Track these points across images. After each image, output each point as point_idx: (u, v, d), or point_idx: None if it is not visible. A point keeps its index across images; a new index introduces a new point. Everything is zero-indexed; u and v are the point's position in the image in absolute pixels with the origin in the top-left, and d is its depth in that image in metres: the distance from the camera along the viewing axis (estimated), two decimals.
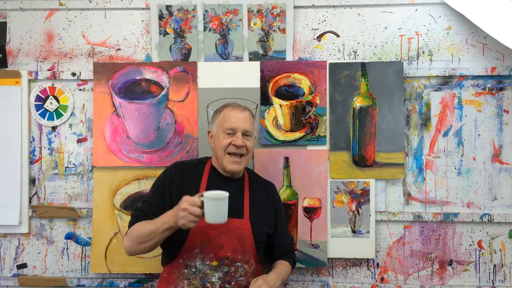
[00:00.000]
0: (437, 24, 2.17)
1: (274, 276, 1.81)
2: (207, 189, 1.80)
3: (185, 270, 1.75)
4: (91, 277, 2.22)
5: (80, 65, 2.23)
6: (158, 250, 1.98)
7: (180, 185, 1.80)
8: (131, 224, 1.77)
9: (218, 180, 1.84)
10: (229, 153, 1.79)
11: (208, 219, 1.57)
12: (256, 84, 2.16)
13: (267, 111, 2.16)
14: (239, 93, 2.15)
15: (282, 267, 1.89)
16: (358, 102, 2.15)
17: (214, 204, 1.56)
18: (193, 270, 1.74)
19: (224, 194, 1.58)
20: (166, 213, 1.67)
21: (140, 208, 1.81)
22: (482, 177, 2.16)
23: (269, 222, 1.88)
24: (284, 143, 2.16)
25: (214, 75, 2.17)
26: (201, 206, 1.57)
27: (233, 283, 1.75)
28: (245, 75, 2.17)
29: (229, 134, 1.80)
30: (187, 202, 1.58)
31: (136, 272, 2.17)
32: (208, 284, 1.73)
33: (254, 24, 2.18)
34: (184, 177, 1.83)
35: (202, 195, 1.58)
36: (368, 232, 2.14)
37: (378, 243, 2.17)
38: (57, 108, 2.21)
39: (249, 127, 1.82)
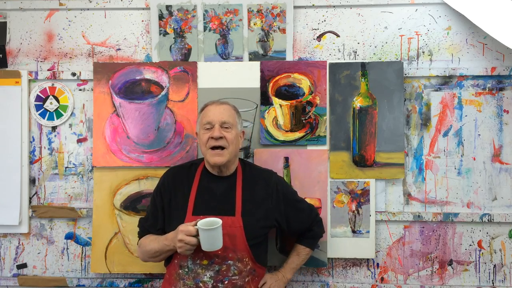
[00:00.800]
0: (437, 24, 2.17)
1: (283, 272, 1.95)
2: (198, 190, 1.83)
3: (180, 271, 1.76)
4: (91, 277, 2.22)
5: (80, 65, 2.23)
6: None
7: (172, 188, 1.86)
8: (139, 233, 1.90)
9: (209, 180, 1.85)
10: (211, 148, 1.78)
11: (204, 248, 1.64)
12: (256, 84, 2.16)
13: (267, 111, 2.16)
14: (239, 93, 2.15)
15: (294, 256, 1.97)
16: (358, 102, 2.15)
17: (208, 234, 1.62)
18: (186, 270, 1.75)
19: (217, 222, 1.63)
20: (167, 236, 1.73)
21: (143, 220, 1.92)
22: (482, 177, 2.16)
23: (268, 214, 1.84)
24: (284, 143, 2.16)
25: (214, 75, 2.17)
26: (197, 234, 1.63)
27: (226, 282, 1.74)
28: (245, 75, 2.16)
29: (207, 129, 1.80)
30: (182, 233, 1.64)
31: (136, 272, 2.17)
32: (201, 284, 1.73)
33: (254, 24, 2.18)
34: (176, 180, 1.87)
35: (196, 223, 1.63)
36: (368, 232, 2.14)
37: (378, 243, 2.17)
38: (57, 108, 2.21)
39: (226, 119, 1.80)
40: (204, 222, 1.63)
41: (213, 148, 1.78)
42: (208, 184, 1.83)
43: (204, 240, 1.62)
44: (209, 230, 1.60)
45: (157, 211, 1.85)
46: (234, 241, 1.75)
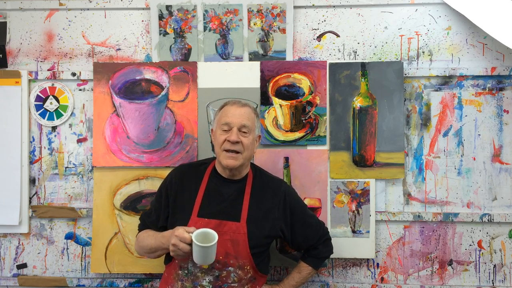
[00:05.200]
0: (437, 24, 2.17)
1: (282, 287, 1.92)
2: (205, 191, 1.80)
3: (180, 272, 1.75)
4: (91, 277, 2.22)
5: (80, 65, 2.23)
6: None
7: (179, 187, 1.82)
8: (139, 226, 1.91)
9: (218, 182, 1.82)
10: (225, 150, 1.74)
11: (195, 260, 1.59)
12: (256, 84, 2.16)
13: (267, 111, 2.16)
14: (239, 93, 2.15)
15: (295, 273, 1.91)
16: (358, 102, 2.15)
17: (202, 249, 1.55)
18: (186, 272, 1.73)
19: (213, 237, 1.56)
20: (164, 234, 1.70)
21: (145, 214, 1.91)
22: (482, 177, 2.16)
23: (273, 223, 1.79)
24: (284, 143, 2.16)
25: (214, 75, 2.17)
26: (191, 242, 1.57)
27: None
28: (245, 75, 2.17)
29: (225, 130, 1.75)
30: (177, 238, 1.59)
31: (136, 272, 2.17)
32: (199, 287, 1.72)
33: (254, 24, 2.18)
34: (184, 179, 1.84)
35: (193, 232, 1.58)
36: (368, 232, 2.14)
37: (378, 243, 2.17)
38: (57, 108, 2.21)
39: (245, 122, 1.74)
40: (201, 233, 1.57)
41: (228, 150, 1.73)
42: (216, 187, 1.80)
43: (196, 253, 1.57)
44: (203, 246, 1.54)
45: (160, 209, 1.83)
46: (237, 247, 1.72)
